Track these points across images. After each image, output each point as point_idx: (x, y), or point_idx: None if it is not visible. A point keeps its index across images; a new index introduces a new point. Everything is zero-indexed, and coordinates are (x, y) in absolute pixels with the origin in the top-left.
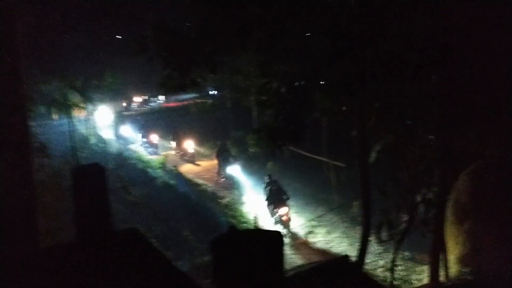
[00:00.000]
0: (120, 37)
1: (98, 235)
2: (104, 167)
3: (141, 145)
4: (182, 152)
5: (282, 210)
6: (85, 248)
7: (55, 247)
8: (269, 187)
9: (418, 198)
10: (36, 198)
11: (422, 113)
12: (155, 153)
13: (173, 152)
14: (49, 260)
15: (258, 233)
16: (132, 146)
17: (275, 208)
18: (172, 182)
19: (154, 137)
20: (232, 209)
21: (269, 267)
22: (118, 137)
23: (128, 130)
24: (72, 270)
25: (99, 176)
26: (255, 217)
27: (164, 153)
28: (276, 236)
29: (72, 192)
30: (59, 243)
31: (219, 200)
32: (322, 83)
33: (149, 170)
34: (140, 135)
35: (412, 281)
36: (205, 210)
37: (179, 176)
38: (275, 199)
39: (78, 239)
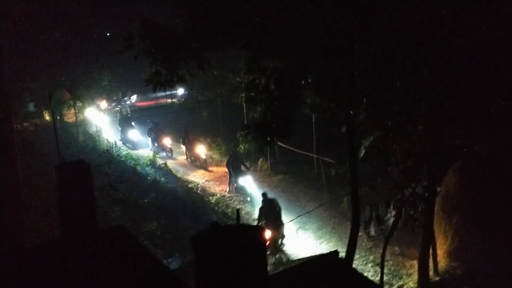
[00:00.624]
0: (108, 34)
1: (84, 232)
2: (89, 164)
3: (153, 150)
4: (193, 158)
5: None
6: (70, 246)
7: (41, 245)
8: (260, 206)
9: (407, 193)
10: (23, 196)
11: (410, 108)
12: (170, 158)
13: (183, 157)
14: (34, 258)
15: (240, 228)
16: (142, 152)
17: None
18: (163, 179)
19: (167, 141)
20: (223, 206)
21: (251, 262)
22: (126, 141)
23: (136, 134)
24: (58, 269)
25: (84, 173)
26: (237, 210)
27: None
28: (257, 232)
29: (57, 190)
30: (45, 241)
31: (210, 197)
32: (311, 79)
33: (138, 167)
34: (150, 139)
35: (402, 275)
36: (196, 207)
37: (170, 173)
38: (264, 220)
39: (63, 237)
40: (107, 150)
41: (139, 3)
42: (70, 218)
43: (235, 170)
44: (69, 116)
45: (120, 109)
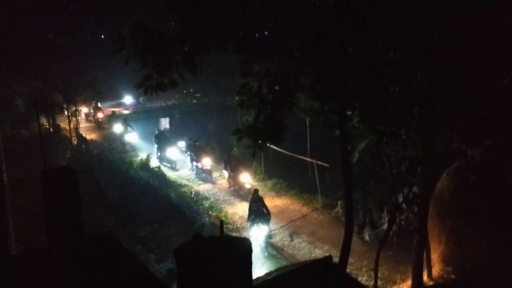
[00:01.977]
0: (103, 36)
1: (70, 240)
2: (75, 170)
3: (192, 170)
4: (236, 186)
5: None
6: (56, 254)
7: (27, 254)
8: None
9: (401, 198)
10: (8, 202)
11: (403, 113)
12: (209, 181)
13: (225, 183)
14: (20, 266)
15: (225, 241)
16: (183, 172)
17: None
18: (156, 183)
19: (207, 161)
20: (217, 210)
21: (235, 275)
22: (164, 160)
23: (175, 152)
24: (43, 278)
25: (69, 179)
26: (221, 222)
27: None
28: (243, 244)
29: (42, 196)
30: (31, 249)
31: (203, 201)
32: (304, 83)
33: (131, 171)
34: (189, 157)
35: (396, 280)
36: (190, 211)
37: (163, 176)
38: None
39: (49, 245)
40: (97, 154)
41: (132, 6)
42: (56, 225)
43: (253, 212)
44: (62, 119)
45: (158, 123)
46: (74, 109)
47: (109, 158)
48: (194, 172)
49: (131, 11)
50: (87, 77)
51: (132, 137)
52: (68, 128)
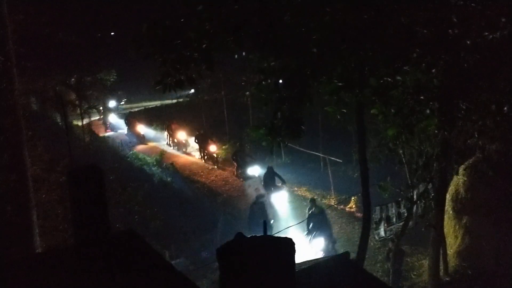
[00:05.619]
0: (113, 33)
1: (96, 237)
2: (101, 169)
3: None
4: None
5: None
6: (83, 251)
7: (52, 251)
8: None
9: (418, 193)
10: (33, 199)
11: (423, 108)
12: None
13: None
14: (46, 264)
15: (268, 240)
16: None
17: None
18: (169, 179)
19: None
20: (230, 207)
21: (280, 276)
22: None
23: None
24: (70, 274)
25: (96, 178)
26: (264, 222)
27: None
28: (287, 244)
29: (69, 195)
30: (56, 246)
31: (216, 197)
32: (322, 78)
33: (145, 167)
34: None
35: (411, 276)
36: (203, 207)
37: (176, 173)
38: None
39: (75, 242)
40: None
41: (145, 2)
42: (83, 224)
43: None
44: (73, 115)
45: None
46: (87, 106)
47: (121, 154)
48: None
49: (143, 9)
50: (100, 74)
51: (256, 170)
52: (80, 125)
